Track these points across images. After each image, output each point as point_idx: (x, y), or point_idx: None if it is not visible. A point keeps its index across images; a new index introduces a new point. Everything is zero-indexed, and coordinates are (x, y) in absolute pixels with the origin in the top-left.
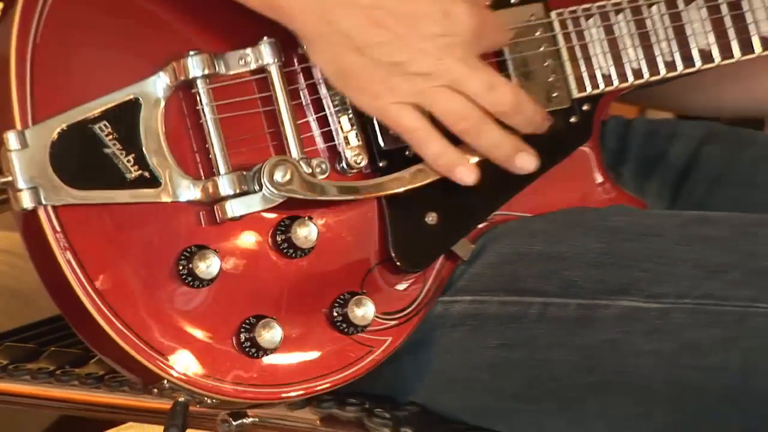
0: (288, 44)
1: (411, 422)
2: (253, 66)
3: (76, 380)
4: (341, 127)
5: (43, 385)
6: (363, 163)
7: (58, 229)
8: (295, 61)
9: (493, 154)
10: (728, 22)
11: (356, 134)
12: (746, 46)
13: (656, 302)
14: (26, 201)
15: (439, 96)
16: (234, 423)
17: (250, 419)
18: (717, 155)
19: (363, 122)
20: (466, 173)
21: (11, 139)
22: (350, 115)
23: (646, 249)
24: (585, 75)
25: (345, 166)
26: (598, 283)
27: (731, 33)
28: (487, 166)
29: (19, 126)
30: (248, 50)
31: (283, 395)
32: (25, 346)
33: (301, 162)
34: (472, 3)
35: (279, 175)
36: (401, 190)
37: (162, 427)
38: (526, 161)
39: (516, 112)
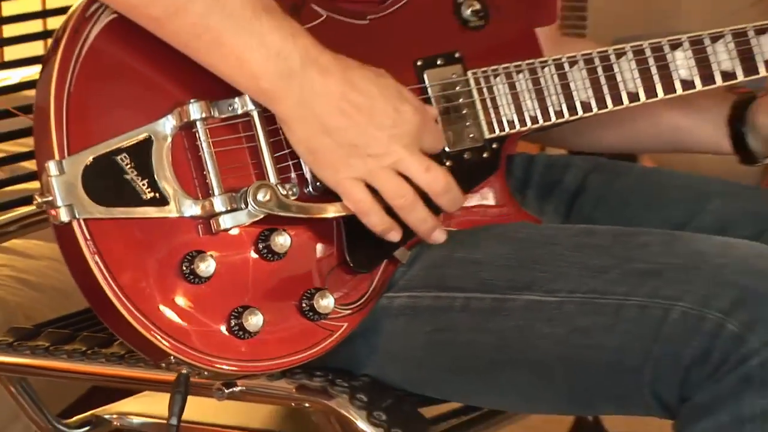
0: None
1: (364, 390)
2: (239, 111)
3: (103, 358)
4: None
5: (77, 362)
6: (323, 187)
7: (88, 237)
8: None
9: (418, 227)
10: (603, 80)
11: None
12: (617, 100)
13: (553, 296)
14: (63, 216)
15: (384, 175)
16: (226, 390)
17: (239, 388)
18: (600, 182)
19: None
20: (395, 236)
21: (52, 167)
22: None
23: (545, 254)
24: (494, 120)
25: (311, 189)
26: (508, 281)
27: (605, 89)
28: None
29: (57, 157)
30: (236, 99)
31: (264, 368)
32: (63, 331)
33: (277, 186)
34: (416, 106)
35: (261, 196)
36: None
37: (169, 394)
38: (439, 236)
39: (445, 192)
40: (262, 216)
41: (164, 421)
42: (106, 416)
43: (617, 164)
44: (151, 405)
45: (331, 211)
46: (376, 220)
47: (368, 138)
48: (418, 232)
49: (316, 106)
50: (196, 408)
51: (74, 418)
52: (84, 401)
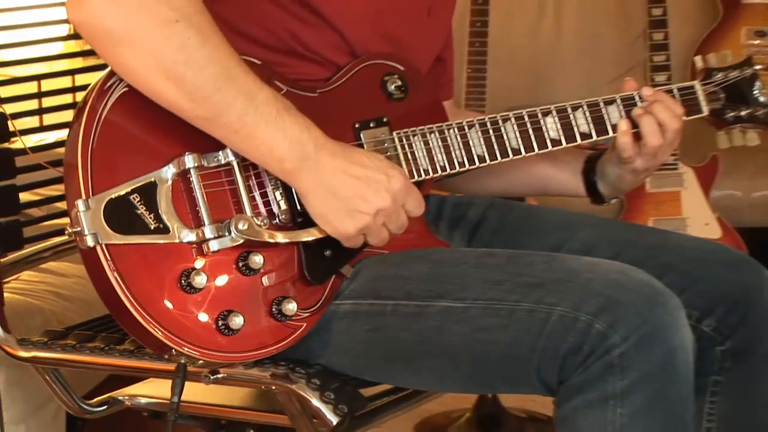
0: None
1: (318, 376)
2: (223, 161)
3: (117, 353)
4: (275, 197)
5: (98, 356)
6: (287, 219)
7: (109, 258)
8: None
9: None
10: (493, 139)
11: (283, 201)
12: (504, 153)
13: (461, 303)
14: (89, 242)
15: (376, 230)
16: (212, 377)
17: (222, 375)
18: (496, 216)
19: (288, 195)
20: None
21: (80, 204)
22: (280, 190)
23: (455, 271)
24: (413, 169)
25: (277, 221)
26: (427, 292)
27: (495, 145)
28: None
29: (84, 197)
30: (220, 152)
31: (244, 358)
32: (86, 333)
33: (253, 217)
34: (404, 174)
35: (240, 225)
36: (310, 239)
37: (170, 381)
38: None
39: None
40: (241, 241)
41: (165, 401)
42: (120, 398)
43: (509, 203)
44: (155, 389)
45: (293, 237)
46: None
47: (371, 202)
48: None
49: (327, 179)
50: (188, 391)
51: (95, 400)
52: (103, 386)
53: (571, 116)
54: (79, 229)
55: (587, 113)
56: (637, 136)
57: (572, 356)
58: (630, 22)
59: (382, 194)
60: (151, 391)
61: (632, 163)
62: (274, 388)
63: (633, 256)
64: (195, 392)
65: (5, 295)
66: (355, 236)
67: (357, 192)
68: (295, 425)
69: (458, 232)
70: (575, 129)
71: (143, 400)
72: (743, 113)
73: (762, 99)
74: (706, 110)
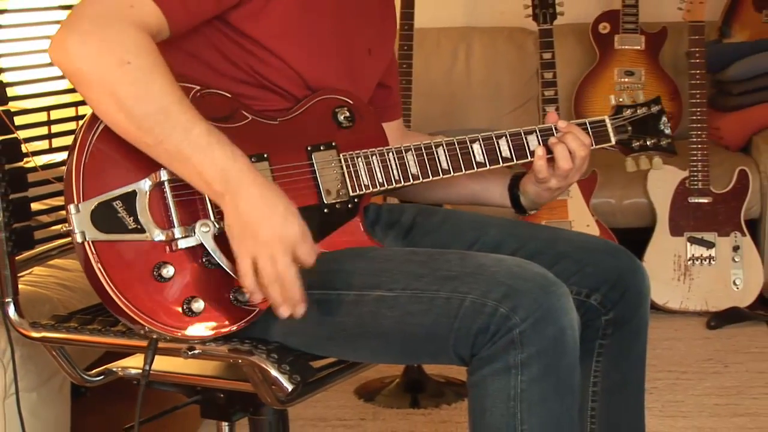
0: None
1: (276, 351)
2: None
3: (112, 333)
4: None
5: (96, 336)
6: None
7: (93, 252)
8: None
9: (272, 302)
10: (426, 161)
11: None
12: (435, 173)
13: (392, 292)
14: (78, 238)
15: (264, 261)
16: (189, 353)
17: (197, 350)
18: (423, 220)
19: None
20: (255, 299)
21: (72, 208)
22: None
23: (386, 266)
24: (356, 184)
25: None
26: (363, 283)
27: (428, 166)
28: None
29: (75, 202)
30: None
31: (208, 337)
32: (86, 317)
33: (214, 222)
34: (302, 226)
35: (203, 229)
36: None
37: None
38: (282, 312)
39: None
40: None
41: (152, 372)
42: (114, 369)
43: (434, 208)
44: (142, 362)
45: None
46: (246, 283)
47: (263, 233)
48: (270, 302)
49: (240, 205)
50: (170, 364)
51: (94, 371)
52: (100, 360)
53: (496, 143)
54: (71, 228)
55: (510, 141)
56: (552, 161)
57: (481, 334)
58: (525, 64)
59: (269, 232)
60: (139, 363)
61: (547, 183)
62: (240, 361)
63: (534, 247)
64: (176, 365)
65: (20, 286)
66: (244, 261)
67: (255, 220)
68: (257, 391)
69: (392, 233)
70: (498, 154)
71: (133, 371)
72: (649, 143)
73: (666, 131)
74: (613, 140)
